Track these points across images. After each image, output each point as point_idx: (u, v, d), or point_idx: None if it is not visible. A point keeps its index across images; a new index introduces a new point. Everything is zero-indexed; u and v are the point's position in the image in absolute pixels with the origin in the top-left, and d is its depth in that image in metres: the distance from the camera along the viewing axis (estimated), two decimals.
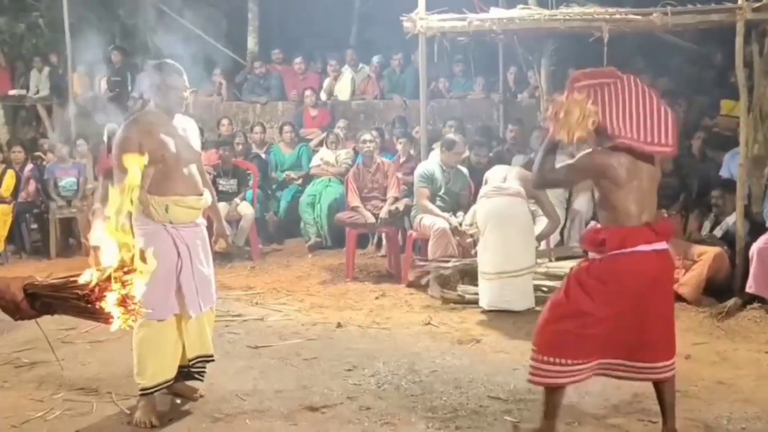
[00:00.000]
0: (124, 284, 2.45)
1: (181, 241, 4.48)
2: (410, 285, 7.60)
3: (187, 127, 4.64)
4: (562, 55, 10.04)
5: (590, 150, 3.96)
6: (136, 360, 4.48)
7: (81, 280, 2.44)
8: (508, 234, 6.59)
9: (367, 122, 10.82)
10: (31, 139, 10.84)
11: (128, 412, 4.55)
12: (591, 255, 4.00)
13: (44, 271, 8.12)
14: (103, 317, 2.45)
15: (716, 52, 9.75)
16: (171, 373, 4.55)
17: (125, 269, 2.48)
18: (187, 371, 4.68)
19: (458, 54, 11.01)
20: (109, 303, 2.43)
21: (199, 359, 4.69)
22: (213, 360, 4.79)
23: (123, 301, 2.45)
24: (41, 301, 2.41)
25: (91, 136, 10.10)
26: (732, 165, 7.59)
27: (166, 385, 4.53)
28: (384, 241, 8.82)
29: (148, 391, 4.46)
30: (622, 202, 3.85)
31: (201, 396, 4.74)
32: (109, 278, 2.44)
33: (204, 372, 4.75)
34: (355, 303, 7.07)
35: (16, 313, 2.38)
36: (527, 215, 6.78)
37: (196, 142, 4.69)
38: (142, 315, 2.50)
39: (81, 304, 2.42)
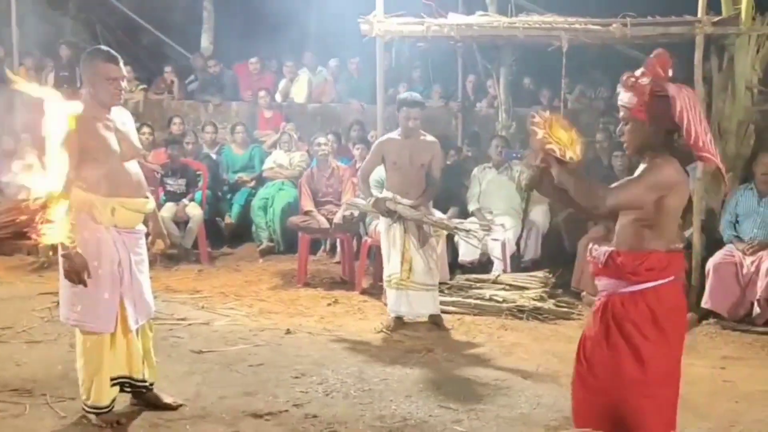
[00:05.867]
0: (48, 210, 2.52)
1: (123, 247, 4.20)
2: (364, 292, 7.47)
3: (125, 120, 4.33)
4: (521, 65, 10.04)
5: (659, 163, 3.24)
6: (83, 377, 4.20)
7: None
8: None
9: (324, 126, 10.63)
10: None
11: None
12: (611, 288, 3.24)
13: None
14: (34, 232, 2.56)
15: (675, 67, 9.80)
16: (115, 390, 4.31)
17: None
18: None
19: (417, 60, 10.93)
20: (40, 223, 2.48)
21: (124, 380, 4.34)
22: (143, 388, 4.44)
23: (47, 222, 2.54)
24: None
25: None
26: (690, 180, 7.58)
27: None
28: (338, 247, 8.67)
29: (103, 411, 4.22)
30: (673, 221, 3.29)
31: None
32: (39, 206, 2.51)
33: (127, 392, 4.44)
34: (306, 309, 6.90)
35: None
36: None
37: (135, 136, 4.40)
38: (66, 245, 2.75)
39: (13, 228, 2.53)
